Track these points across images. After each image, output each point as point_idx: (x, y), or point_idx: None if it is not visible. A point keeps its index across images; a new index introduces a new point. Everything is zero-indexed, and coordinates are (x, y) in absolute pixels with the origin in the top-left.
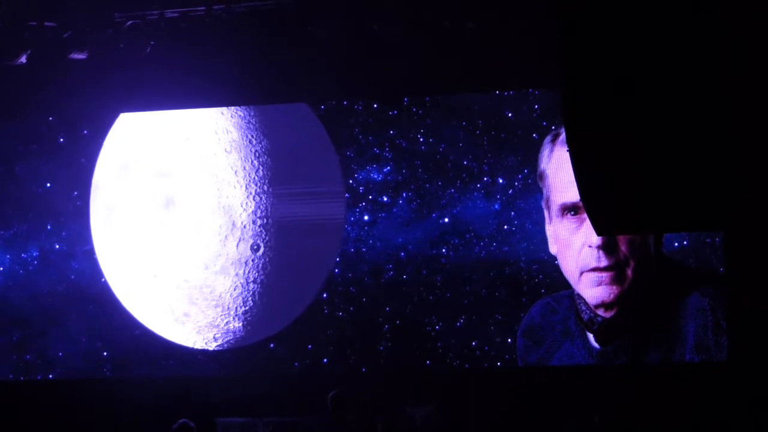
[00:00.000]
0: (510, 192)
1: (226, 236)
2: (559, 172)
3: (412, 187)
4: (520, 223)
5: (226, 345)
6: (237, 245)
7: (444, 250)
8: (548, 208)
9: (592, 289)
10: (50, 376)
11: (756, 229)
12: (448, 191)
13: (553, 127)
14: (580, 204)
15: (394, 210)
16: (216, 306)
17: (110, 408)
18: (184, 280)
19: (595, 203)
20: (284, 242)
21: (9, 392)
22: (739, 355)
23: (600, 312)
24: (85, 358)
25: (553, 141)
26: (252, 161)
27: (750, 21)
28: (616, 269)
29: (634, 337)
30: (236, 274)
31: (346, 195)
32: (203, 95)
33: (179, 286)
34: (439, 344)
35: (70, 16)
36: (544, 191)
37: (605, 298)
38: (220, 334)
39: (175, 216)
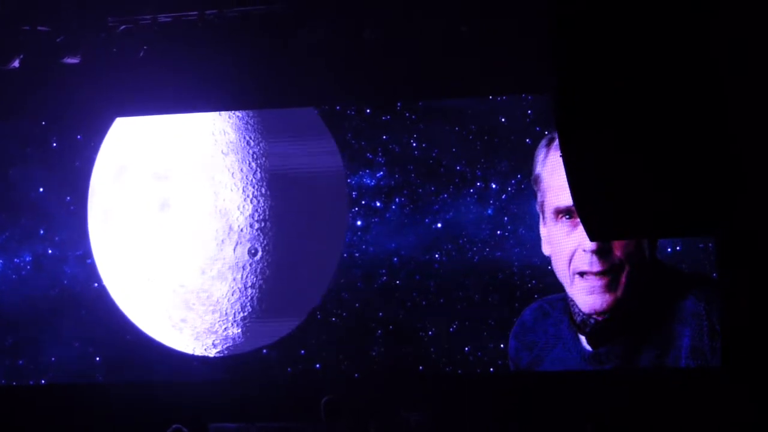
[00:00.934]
0: (503, 197)
1: (222, 240)
2: (553, 175)
3: (405, 192)
4: (514, 228)
5: (226, 351)
6: (234, 249)
7: (437, 256)
8: (542, 211)
9: (586, 293)
10: (43, 381)
11: (748, 235)
12: (441, 196)
13: (546, 132)
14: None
15: (387, 215)
16: (214, 311)
17: (103, 413)
18: (180, 285)
19: (588, 209)
20: (284, 246)
21: (2, 397)
22: (734, 360)
23: (593, 315)
24: (78, 363)
25: (549, 145)
26: (250, 163)
27: (747, 26)
28: (610, 273)
29: (626, 341)
30: (234, 279)
31: (353, 194)
32: (196, 100)
33: (175, 291)
34: (432, 349)
35: (63, 20)
36: (539, 195)
37: (599, 302)
38: (219, 341)
39: (170, 219)
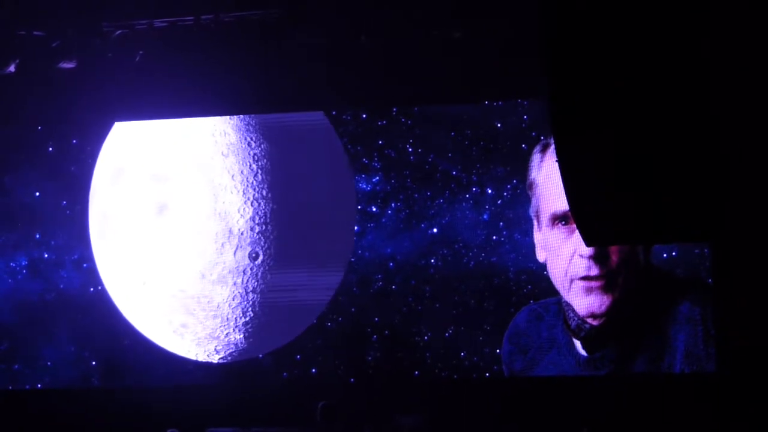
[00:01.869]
0: (499, 202)
1: (222, 244)
2: (549, 181)
3: (401, 197)
4: (509, 233)
5: (229, 358)
6: (234, 253)
7: (433, 261)
8: (537, 217)
9: (583, 298)
10: (39, 385)
11: (743, 240)
12: (437, 201)
13: (542, 137)
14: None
15: (383, 220)
16: (215, 317)
17: (99, 417)
18: (179, 290)
19: (584, 214)
20: (286, 250)
21: None
22: (729, 365)
23: (589, 320)
24: (74, 368)
25: (543, 150)
26: (250, 165)
27: (738, 29)
28: (606, 278)
29: (621, 346)
30: (234, 284)
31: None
32: (193, 104)
33: (174, 296)
34: (427, 354)
35: (59, 25)
36: (534, 200)
37: (595, 307)
38: (221, 346)
39: (169, 222)
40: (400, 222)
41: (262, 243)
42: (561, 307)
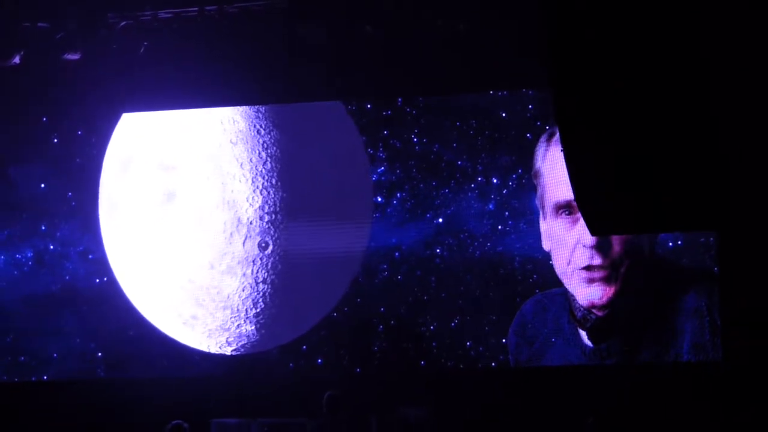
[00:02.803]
0: (504, 192)
1: (231, 233)
2: (554, 170)
3: (406, 187)
4: (515, 223)
5: (242, 350)
6: (243, 243)
7: (438, 251)
8: (542, 206)
9: (585, 288)
10: (44, 377)
11: (749, 229)
12: (442, 191)
13: (547, 127)
14: (575, 203)
15: (389, 210)
16: (225, 308)
17: (104, 409)
18: (188, 281)
19: (589, 204)
20: (297, 239)
21: (3, 394)
22: (735, 355)
23: (594, 311)
24: (80, 359)
25: (549, 140)
26: (259, 153)
27: (738, 22)
28: (609, 268)
29: (627, 336)
30: (243, 274)
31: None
32: (197, 95)
33: (183, 287)
34: (433, 344)
35: (64, 16)
36: (539, 189)
37: (597, 297)
38: (233, 338)
39: (177, 211)
40: (405, 212)
41: (271, 232)
42: (566, 298)
